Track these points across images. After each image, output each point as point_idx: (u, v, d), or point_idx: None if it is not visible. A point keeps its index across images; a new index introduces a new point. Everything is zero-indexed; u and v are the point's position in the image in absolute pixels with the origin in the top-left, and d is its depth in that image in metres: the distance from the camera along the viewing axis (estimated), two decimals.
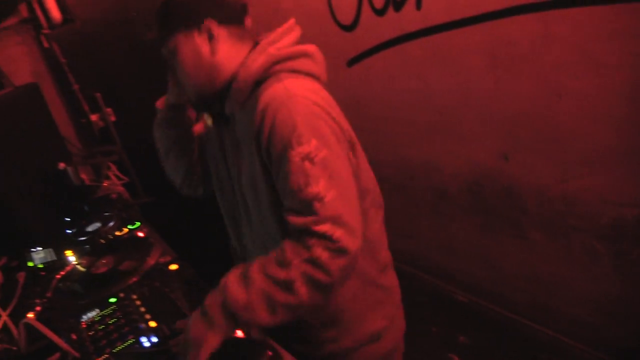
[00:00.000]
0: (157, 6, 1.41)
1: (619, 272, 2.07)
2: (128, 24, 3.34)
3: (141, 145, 3.45)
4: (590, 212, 2.07)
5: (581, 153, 2.02)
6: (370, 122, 2.88)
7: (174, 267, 1.85)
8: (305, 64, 1.40)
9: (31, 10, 2.97)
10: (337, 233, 1.20)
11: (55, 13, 2.89)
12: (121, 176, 3.14)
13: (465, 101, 2.35)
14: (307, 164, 1.23)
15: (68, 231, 2.43)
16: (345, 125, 1.40)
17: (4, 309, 1.89)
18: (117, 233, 2.27)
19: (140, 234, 2.18)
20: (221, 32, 1.38)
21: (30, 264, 2.20)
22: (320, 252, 1.20)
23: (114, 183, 3.04)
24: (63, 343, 1.53)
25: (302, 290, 1.21)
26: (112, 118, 3.21)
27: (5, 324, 1.78)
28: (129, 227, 2.28)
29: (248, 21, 1.45)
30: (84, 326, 1.70)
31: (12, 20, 2.99)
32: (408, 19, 2.37)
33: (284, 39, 1.41)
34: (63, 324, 1.74)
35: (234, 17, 1.41)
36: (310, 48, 1.44)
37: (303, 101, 1.28)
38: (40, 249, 2.28)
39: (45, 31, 2.96)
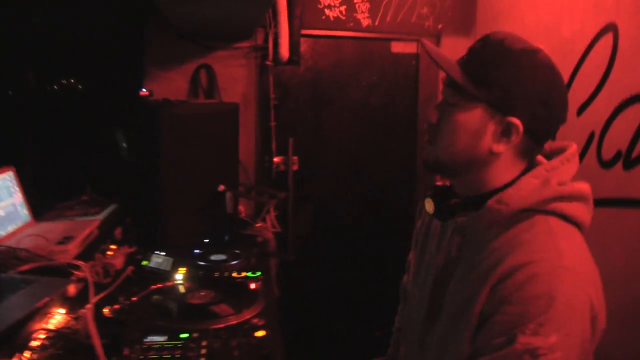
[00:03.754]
0: (486, 47, 1.14)
1: None
2: (354, 87, 3.32)
3: (308, 204, 3.40)
4: None
5: None
6: None
7: (260, 333, 1.60)
8: (579, 209, 1.14)
9: (265, 40, 3.06)
10: None
11: (284, 50, 2.93)
12: (276, 224, 3.02)
13: None
14: (526, 358, 0.97)
15: (196, 251, 2.33)
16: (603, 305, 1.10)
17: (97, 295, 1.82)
18: (234, 274, 2.09)
19: (253, 285, 1.98)
20: (517, 140, 1.13)
21: (144, 262, 2.11)
22: None
23: (266, 228, 2.93)
24: (101, 352, 1.34)
25: None
26: (295, 167, 3.16)
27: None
28: (249, 274, 2.09)
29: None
30: (144, 346, 1.51)
31: (246, 43, 3.11)
32: (637, 181, 1.95)
33: (565, 167, 1.16)
34: (129, 333, 1.58)
35: (540, 133, 1.15)
36: (587, 188, 1.16)
37: (571, 280, 1.01)
38: (164, 254, 2.20)
39: (268, 63, 3.02)
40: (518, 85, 1.10)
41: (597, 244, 2.15)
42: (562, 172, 1.14)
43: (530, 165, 1.18)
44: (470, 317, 1.09)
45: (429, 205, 1.27)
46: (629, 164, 1.97)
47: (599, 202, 2.16)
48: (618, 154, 2.01)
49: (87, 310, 1.46)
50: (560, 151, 1.19)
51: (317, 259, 3.39)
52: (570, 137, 2.26)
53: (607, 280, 2.10)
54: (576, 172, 1.18)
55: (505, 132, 1.12)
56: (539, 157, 1.22)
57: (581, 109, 2.23)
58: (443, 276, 1.26)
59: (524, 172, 1.16)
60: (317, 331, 2.22)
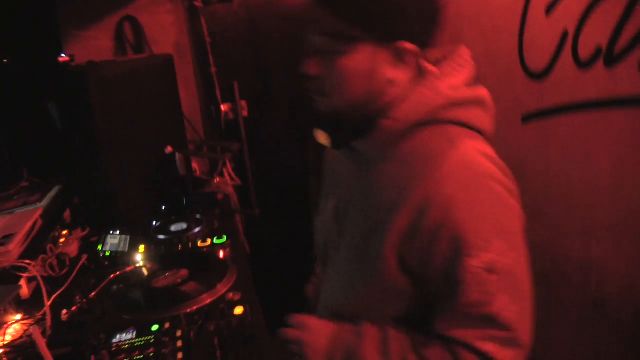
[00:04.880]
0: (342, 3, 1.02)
1: None
2: (290, 20, 3.08)
3: (268, 151, 3.22)
4: None
5: None
6: (531, 196, 2.34)
7: (239, 310, 1.46)
8: (476, 115, 1.10)
9: None
10: (502, 354, 1.00)
11: None
12: (235, 178, 2.85)
13: None
14: (488, 276, 0.97)
15: (154, 222, 2.17)
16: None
17: (54, 292, 1.69)
18: (199, 243, 1.94)
19: (222, 254, 1.83)
20: (412, 60, 1.06)
21: (99, 247, 1.94)
22: None
23: (225, 182, 2.76)
24: None
25: None
26: (245, 113, 2.96)
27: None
28: (215, 240, 1.94)
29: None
30: (112, 349, 1.36)
31: None
32: (622, 78, 1.81)
33: (458, 73, 1.10)
34: (93, 336, 1.43)
35: (428, 42, 1.07)
36: (484, 93, 1.12)
37: (491, 185, 1.00)
38: (118, 233, 2.03)
39: (198, 4, 2.76)
40: (394, 11, 1.01)
41: (580, 151, 2.07)
42: (454, 78, 1.08)
43: (420, 70, 1.10)
44: (387, 232, 1.04)
45: (322, 137, 1.17)
46: (611, 60, 1.83)
47: (580, 106, 2.06)
48: (598, 51, 1.86)
49: (34, 329, 1.29)
50: (451, 56, 1.13)
51: (282, 207, 3.25)
52: (540, 38, 2.10)
53: (593, 188, 2.03)
54: (474, 77, 1.12)
55: (398, 58, 1.05)
56: (430, 67, 1.10)
57: (550, 7, 2.06)
58: (345, 200, 1.23)
59: (414, 81, 1.09)
60: (291, 287, 2.08)
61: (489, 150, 1.07)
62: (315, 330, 1.18)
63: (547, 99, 2.16)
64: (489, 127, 1.13)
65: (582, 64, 1.94)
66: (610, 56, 1.83)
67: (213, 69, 2.83)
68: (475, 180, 1.00)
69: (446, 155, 1.01)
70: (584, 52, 1.92)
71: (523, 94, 2.29)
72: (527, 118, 2.30)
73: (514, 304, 1.00)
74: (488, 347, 0.99)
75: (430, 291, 1.05)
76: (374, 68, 1.05)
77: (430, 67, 1.09)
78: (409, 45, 1.03)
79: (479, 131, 1.11)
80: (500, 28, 2.39)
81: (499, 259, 0.97)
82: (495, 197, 1.01)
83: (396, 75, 1.06)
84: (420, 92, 1.06)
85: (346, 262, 1.19)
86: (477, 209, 0.98)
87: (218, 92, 2.87)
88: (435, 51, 1.12)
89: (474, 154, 1.03)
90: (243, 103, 2.93)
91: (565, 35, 1.99)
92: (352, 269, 1.16)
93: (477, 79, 1.13)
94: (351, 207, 1.20)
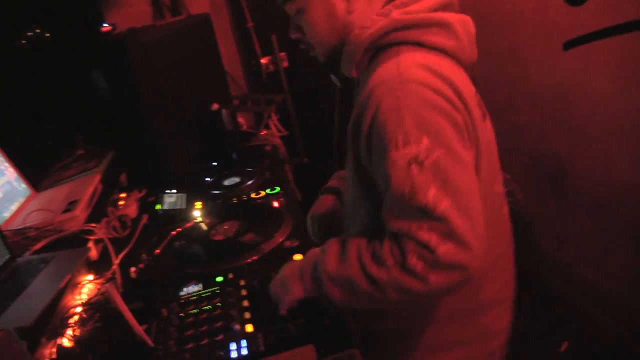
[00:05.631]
0: None
1: None
2: None
3: (310, 99, 3.22)
4: None
5: None
6: (576, 120, 2.30)
7: (297, 257, 1.51)
8: (436, 36, 1.16)
9: None
10: (444, 247, 1.01)
11: None
12: (281, 128, 2.88)
13: None
14: (414, 168, 1.03)
15: (207, 179, 2.23)
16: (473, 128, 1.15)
17: (122, 250, 1.78)
18: (253, 195, 1.99)
19: (276, 204, 1.87)
20: None
21: (158, 206, 2.01)
22: (416, 262, 1.03)
23: (272, 134, 2.79)
24: (138, 327, 1.27)
25: (392, 294, 1.09)
26: (285, 64, 2.96)
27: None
28: (268, 191, 1.99)
29: None
30: (181, 301, 1.44)
31: None
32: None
33: (417, 4, 1.17)
34: (162, 291, 1.50)
35: None
36: (451, 17, 1.17)
37: (416, 88, 1.06)
38: (175, 192, 2.10)
39: None
40: None
41: (622, 74, 2.01)
42: (415, 6, 1.16)
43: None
44: (350, 159, 1.21)
45: (334, 79, 1.38)
46: None
47: (619, 29, 1.99)
48: None
49: (110, 287, 1.37)
50: None
51: (331, 155, 3.27)
52: None
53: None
54: (442, 5, 1.18)
55: None
56: None
57: None
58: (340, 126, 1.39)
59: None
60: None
61: (432, 61, 1.12)
62: (289, 263, 1.32)
63: (587, 24, 2.10)
64: (456, 50, 1.18)
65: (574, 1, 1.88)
66: None
67: (250, 24, 2.83)
68: (401, 84, 1.07)
69: (384, 65, 1.12)
70: None
71: (562, 21, 2.23)
72: (567, 45, 2.24)
73: (446, 197, 1.02)
74: (428, 237, 1.02)
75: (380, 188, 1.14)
76: (328, 7, 1.21)
77: None
78: None
79: (441, 50, 1.16)
80: None
81: (423, 153, 1.03)
82: (420, 99, 1.05)
83: (353, 5, 1.21)
84: (375, 19, 1.17)
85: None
86: (401, 110, 1.04)
87: (257, 46, 2.88)
88: None
89: (408, 64, 1.10)
90: (282, 55, 2.93)
91: None
92: (349, 180, 1.31)
93: (449, 7, 1.20)
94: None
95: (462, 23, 1.20)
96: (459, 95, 1.11)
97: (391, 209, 1.09)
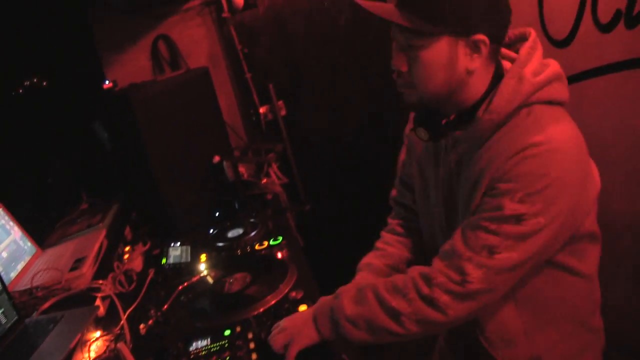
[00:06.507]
0: None
1: None
2: (316, 13, 3.11)
3: (309, 146, 3.27)
4: None
5: None
6: None
7: (302, 308, 1.53)
8: (557, 89, 1.22)
9: None
10: (478, 285, 1.15)
11: None
12: (282, 176, 2.92)
13: None
14: (512, 221, 1.13)
15: (211, 230, 2.26)
16: (593, 175, 1.29)
17: (129, 306, 1.79)
18: (257, 246, 2.02)
19: (279, 254, 1.90)
20: (486, 50, 1.19)
21: (163, 261, 2.04)
22: (440, 294, 1.17)
23: (273, 182, 2.83)
24: None
25: (411, 326, 1.20)
26: (283, 112, 3.03)
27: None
28: (271, 242, 2.02)
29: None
30: (192, 356, 1.45)
31: (196, 1, 2.91)
32: None
33: (534, 57, 1.22)
34: (172, 346, 1.52)
35: (501, 36, 1.23)
36: (556, 66, 1.24)
37: (561, 160, 1.13)
38: (179, 244, 2.13)
39: (225, 15, 2.83)
40: (467, 6, 1.15)
41: (613, 111, 2.07)
42: (533, 62, 1.21)
43: (499, 63, 1.26)
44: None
45: (422, 133, 1.32)
46: (631, 23, 1.83)
47: (603, 70, 2.05)
48: (618, 14, 1.86)
49: (121, 345, 1.39)
50: (521, 39, 1.28)
51: (332, 201, 3.31)
52: (560, 6, 2.10)
53: (632, 144, 2.03)
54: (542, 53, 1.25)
55: (474, 49, 1.18)
56: (503, 50, 1.28)
57: None
58: (449, 188, 1.36)
59: (496, 75, 1.24)
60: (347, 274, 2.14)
61: (573, 128, 1.21)
62: (292, 316, 1.40)
63: (574, 64, 2.16)
64: (567, 97, 1.25)
65: (604, 28, 1.94)
66: (630, 17, 1.83)
67: (248, 75, 2.91)
68: (555, 150, 1.13)
69: (531, 130, 1.16)
70: (604, 16, 1.91)
71: None
72: None
73: (513, 252, 1.14)
74: (472, 271, 1.15)
75: None
76: (452, 59, 1.19)
77: (512, 55, 1.25)
78: (482, 37, 1.16)
79: (560, 103, 1.23)
80: (519, 1, 2.40)
81: (529, 216, 1.11)
82: (563, 175, 1.13)
83: (474, 65, 1.20)
84: (508, 85, 1.19)
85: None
86: (543, 172, 1.12)
87: (255, 96, 2.94)
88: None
89: (559, 128, 1.17)
90: (280, 103, 2.99)
91: (583, 1, 1.99)
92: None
93: None
94: (459, 191, 1.34)
95: (560, 69, 1.26)
96: (588, 162, 1.24)
97: (463, 230, 1.20)
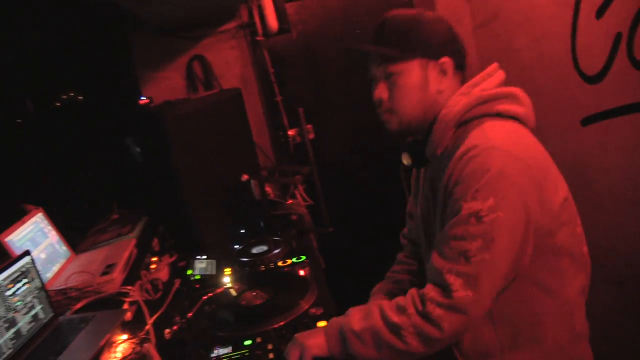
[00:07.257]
0: (392, 24, 1.43)
1: None
2: (348, 41, 3.20)
3: (335, 170, 3.35)
4: None
5: None
6: (596, 196, 2.35)
7: (321, 324, 1.59)
8: (510, 106, 1.37)
9: (250, 15, 2.97)
10: (462, 293, 1.22)
11: (272, 21, 2.82)
12: (307, 198, 2.99)
13: None
14: (472, 220, 1.22)
15: (236, 246, 2.34)
16: (553, 181, 1.36)
17: (155, 312, 1.87)
18: (280, 263, 2.09)
19: (302, 272, 1.98)
20: (451, 72, 1.42)
21: (189, 272, 2.12)
22: (433, 308, 1.24)
23: (298, 203, 2.91)
24: None
25: (411, 341, 1.26)
26: (311, 135, 3.10)
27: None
28: (294, 259, 2.09)
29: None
30: None
31: (232, 24, 3.03)
32: None
33: (487, 80, 1.41)
34: (194, 352, 1.60)
35: (463, 64, 1.46)
36: (516, 90, 1.41)
37: (500, 155, 1.25)
38: (205, 257, 2.21)
39: (259, 38, 2.94)
40: (432, 36, 1.41)
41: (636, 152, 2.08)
42: (485, 84, 1.40)
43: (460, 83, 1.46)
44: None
45: (406, 158, 1.53)
46: None
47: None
48: None
49: (149, 346, 1.47)
50: (482, 71, 1.45)
51: (355, 224, 3.36)
52: (593, 42, 2.11)
53: None
54: (502, 81, 1.43)
55: (442, 72, 1.42)
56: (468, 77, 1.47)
57: (600, 11, 2.07)
58: (427, 209, 1.51)
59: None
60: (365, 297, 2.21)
61: (519, 130, 1.36)
62: (304, 332, 1.46)
63: (605, 101, 2.16)
64: (525, 116, 1.39)
65: (639, 65, 1.94)
66: None
67: (279, 98, 3.00)
68: (490, 148, 1.25)
69: (473, 132, 1.32)
70: None
71: (580, 98, 2.29)
72: (586, 121, 2.30)
73: (485, 252, 1.21)
74: (454, 280, 1.23)
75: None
76: (424, 80, 1.41)
77: (468, 78, 1.45)
78: (447, 59, 1.40)
79: (514, 117, 1.37)
80: (551, 34, 2.40)
81: (485, 211, 1.21)
82: (504, 167, 1.23)
83: (443, 85, 1.42)
84: (455, 100, 1.38)
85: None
86: (484, 168, 1.23)
87: (285, 119, 3.03)
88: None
89: (496, 130, 1.31)
90: (309, 127, 3.07)
91: (618, 37, 1.99)
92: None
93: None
94: (424, 207, 1.53)
95: (523, 94, 1.42)
96: (537, 162, 1.32)
97: (437, 246, 1.30)
